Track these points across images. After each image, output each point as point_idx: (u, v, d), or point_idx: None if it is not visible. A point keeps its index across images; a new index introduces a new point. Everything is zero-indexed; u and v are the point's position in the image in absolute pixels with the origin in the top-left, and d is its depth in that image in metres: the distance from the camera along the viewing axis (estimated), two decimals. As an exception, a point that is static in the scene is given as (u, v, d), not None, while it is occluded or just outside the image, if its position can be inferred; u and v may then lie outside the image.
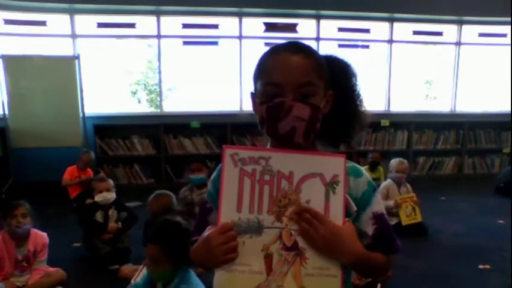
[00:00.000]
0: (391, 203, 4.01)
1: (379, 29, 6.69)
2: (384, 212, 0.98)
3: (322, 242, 0.84)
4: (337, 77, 0.99)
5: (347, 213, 0.89)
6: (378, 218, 0.96)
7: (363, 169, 1.00)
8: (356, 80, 1.03)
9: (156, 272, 2.02)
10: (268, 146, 1.02)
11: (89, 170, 5.00)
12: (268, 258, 0.85)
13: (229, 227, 0.85)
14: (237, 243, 0.85)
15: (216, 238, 0.85)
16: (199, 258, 0.93)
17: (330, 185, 0.86)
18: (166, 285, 2.03)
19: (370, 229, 0.95)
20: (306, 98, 0.90)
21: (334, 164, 0.87)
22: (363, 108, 1.03)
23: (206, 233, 0.90)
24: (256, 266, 0.85)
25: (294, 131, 0.90)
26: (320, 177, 0.86)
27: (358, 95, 1.03)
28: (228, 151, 0.88)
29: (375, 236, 0.95)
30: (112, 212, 3.51)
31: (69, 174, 4.87)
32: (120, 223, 3.46)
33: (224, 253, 0.85)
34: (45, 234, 2.96)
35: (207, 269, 0.92)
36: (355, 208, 0.93)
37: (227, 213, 0.87)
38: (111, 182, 3.60)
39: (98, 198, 3.48)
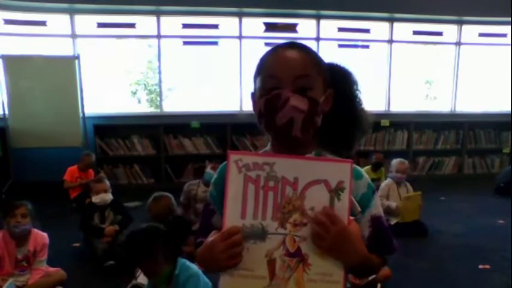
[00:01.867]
0: (393, 204, 4.01)
1: (379, 29, 6.68)
2: (382, 214, 0.99)
3: (331, 242, 0.83)
4: (339, 84, 0.99)
5: (351, 213, 0.88)
6: (375, 220, 0.97)
7: (363, 171, 1.00)
8: (357, 88, 1.04)
9: (160, 279, 2.05)
10: (268, 146, 1.02)
11: (90, 170, 5.01)
12: (271, 263, 0.86)
13: (233, 232, 0.85)
14: (241, 249, 0.85)
15: (219, 244, 0.85)
16: (204, 262, 0.94)
17: (335, 192, 0.85)
18: (169, 283, 2.04)
19: (366, 231, 0.96)
20: (304, 91, 0.91)
21: (340, 170, 0.86)
22: (364, 116, 1.03)
23: (210, 238, 0.90)
24: (259, 271, 0.86)
25: (291, 123, 0.90)
26: (325, 184, 0.86)
27: (360, 103, 1.04)
28: (233, 157, 0.88)
29: (371, 238, 0.96)
30: (108, 213, 3.56)
31: (70, 174, 4.88)
32: (116, 225, 3.51)
33: (227, 259, 0.85)
34: (45, 235, 2.96)
35: (212, 272, 0.93)
36: (359, 209, 0.93)
37: (231, 219, 0.86)
38: (107, 182, 3.65)
39: (96, 199, 3.53)
